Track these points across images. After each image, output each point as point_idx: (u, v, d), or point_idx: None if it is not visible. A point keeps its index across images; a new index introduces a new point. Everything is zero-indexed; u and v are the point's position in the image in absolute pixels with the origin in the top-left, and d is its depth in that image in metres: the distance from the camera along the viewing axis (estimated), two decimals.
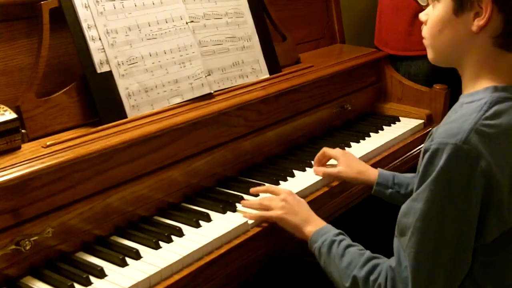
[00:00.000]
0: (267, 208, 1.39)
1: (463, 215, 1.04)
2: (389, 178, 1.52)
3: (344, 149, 1.77)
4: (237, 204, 1.45)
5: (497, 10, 1.05)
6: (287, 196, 1.39)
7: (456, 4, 1.08)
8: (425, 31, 1.17)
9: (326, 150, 1.64)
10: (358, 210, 1.81)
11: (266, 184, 1.55)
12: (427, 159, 1.06)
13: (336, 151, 1.63)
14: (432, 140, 1.07)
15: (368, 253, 1.19)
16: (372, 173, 1.55)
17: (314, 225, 1.31)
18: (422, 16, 1.18)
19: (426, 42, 1.17)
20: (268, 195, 1.46)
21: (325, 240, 1.25)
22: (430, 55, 1.18)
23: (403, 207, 1.11)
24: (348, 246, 1.22)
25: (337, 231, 1.28)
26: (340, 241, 1.23)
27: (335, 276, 1.21)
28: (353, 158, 1.63)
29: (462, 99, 1.13)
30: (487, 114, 1.05)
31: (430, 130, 1.14)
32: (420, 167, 1.09)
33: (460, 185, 1.03)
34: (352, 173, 1.57)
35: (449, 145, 1.02)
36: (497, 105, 1.07)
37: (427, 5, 1.28)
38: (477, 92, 1.10)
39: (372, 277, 1.14)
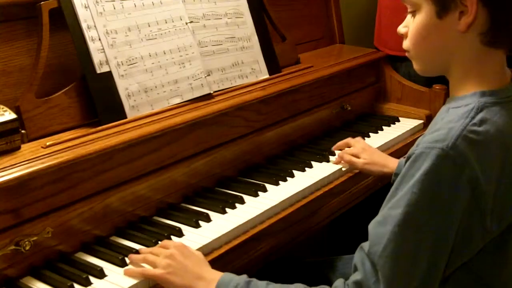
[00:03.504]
0: (151, 264, 1.18)
1: (444, 222, 1.00)
2: None
3: (364, 138, 1.85)
4: (236, 205, 1.45)
5: (482, 5, 1.02)
6: (174, 251, 1.17)
7: (438, 7, 1.05)
8: (407, 43, 1.13)
9: (349, 140, 1.70)
10: (357, 210, 1.81)
11: (266, 184, 1.55)
12: (409, 163, 1.02)
13: (358, 145, 1.67)
14: (417, 145, 1.04)
15: (300, 284, 1.11)
16: (393, 164, 1.58)
17: (208, 280, 1.13)
18: (401, 29, 1.14)
19: (410, 54, 1.14)
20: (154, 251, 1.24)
21: (237, 285, 1.10)
22: (417, 66, 1.14)
23: (376, 218, 1.06)
24: (268, 283, 1.10)
25: (244, 276, 1.13)
26: (256, 281, 1.11)
27: None
28: (375, 151, 1.67)
29: (448, 103, 1.10)
30: (475, 120, 1.02)
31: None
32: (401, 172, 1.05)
33: (445, 191, 0.99)
34: (376, 167, 1.62)
35: (435, 149, 0.99)
36: (485, 110, 1.03)
37: None
38: (464, 96, 1.08)
39: None
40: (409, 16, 1.13)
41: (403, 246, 1.01)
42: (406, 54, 1.15)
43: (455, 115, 1.04)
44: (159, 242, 1.28)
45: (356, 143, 1.71)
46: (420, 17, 1.09)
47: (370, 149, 1.68)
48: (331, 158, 1.72)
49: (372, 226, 1.06)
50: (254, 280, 1.12)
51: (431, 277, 1.03)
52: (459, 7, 1.04)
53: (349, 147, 1.72)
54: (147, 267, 1.18)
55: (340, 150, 1.73)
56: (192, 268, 1.16)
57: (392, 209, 1.03)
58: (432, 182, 0.99)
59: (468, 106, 1.05)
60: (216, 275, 1.14)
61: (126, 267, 1.20)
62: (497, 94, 1.06)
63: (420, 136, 1.94)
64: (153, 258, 1.18)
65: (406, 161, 1.05)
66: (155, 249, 1.22)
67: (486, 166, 1.01)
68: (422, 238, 1.01)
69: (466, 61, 1.08)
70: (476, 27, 1.04)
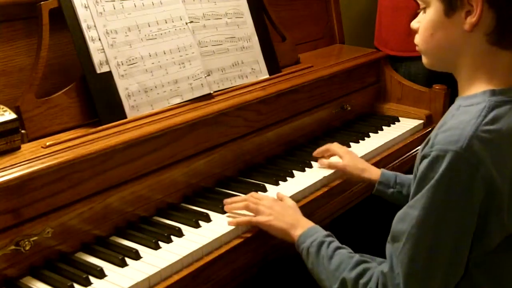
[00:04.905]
0: (254, 212, 1.37)
1: (460, 223, 1.03)
2: (391, 178, 1.52)
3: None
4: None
5: (488, 6, 1.04)
6: (272, 202, 1.38)
7: (446, 6, 1.08)
8: (417, 38, 1.16)
9: (330, 146, 1.68)
10: (357, 210, 1.81)
11: (266, 184, 1.56)
12: (427, 165, 1.04)
13: (340, 149, 1.66)
14: (431, 146, 1.05)
15: (358, 256, 1.18)
16: (375, 172, 1.56)
17: (302, 227, 1.30)
18: (414, 24, 1.17)
19: (419, 48, 1.17)
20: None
21: (314, 241, 1.24)
22: (425, 60, 1.18)
23: (399, 213, 1.10)
24: (338, 248, 1.21)
25: (326, 232, 1.27)
26: (330, 242, 1.22)
27: (322, 278, 1.20)
28: (357, 157, 1.65)
29: (459, 101, 1.12)
30: (487, 119, 1.04)
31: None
32: (418, 172, 1.07)
33: (460, 193, 1.02)
34: (356, 170, 1.59)
35: (450, 152, 1.01)
36: (496, 110, 1.05)
37: None
38: (474, 95, 1.09)
39: (362, 281, 1.12)
40: (422, 12, 1.15)
41: (420, 246, 1.04)
42: (416, 48, 1.17)
43: (467, 114, 1.06)
44: (159, 242, 1.28)
45: (339, 147, 1.68)
46: (429, 14, 1.11)
47: (353, 153, 1.67)
48: (332, 158, 1.71)
49: (395, 220, 1.10)
50: (327, 241, 1.23)
51: (450, 277, 1.06)
52: (466, 6, 1.05)
53: (329, 152, 1.69)
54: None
55: (323, 156, 1.70)
56: (289, 214, 1.34)
57: (411, 208, 1.06)
58: (448, 185, 1.02)
59: (479, 105, 1.06)
60: (308, 224, 1.31)
61: (230, 219, 1.35)
62: (507, 93, 1.08)
63: (420, 136, 1.96)
64: (255, 207, 1.36)
65: (421, 160, 1.07)
66: (250, 198, 1.40)
67: (500, 164, 1.03)
68: (439, 239, 1.04)
69: (474, 60, 1.10)
70: (482, 27, 1.06)
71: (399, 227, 1.08)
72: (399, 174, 1.53)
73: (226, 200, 1.43)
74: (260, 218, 1.35)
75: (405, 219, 1.07)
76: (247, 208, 1.38)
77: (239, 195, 1.49)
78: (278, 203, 1.39)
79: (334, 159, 1.66)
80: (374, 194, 1.55)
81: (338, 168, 1.62)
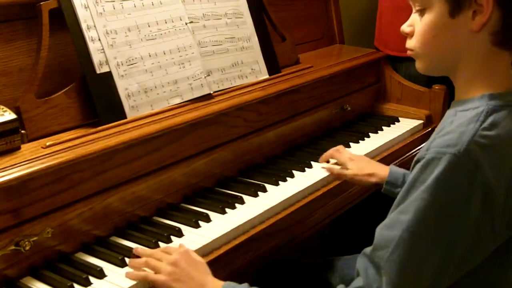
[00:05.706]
0: (153, 270, 1.17)
1: (455, 228, 0.99)
2: (399, 177, 1.48)
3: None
4: (236, 205, 1.45)
5: (496, 5, 1.01)
6: (178, 258, 1.16)
7: (452, 6, 1.03)
8: (413, 42, 1.10)
9: (334, 154, 1.65)
10: (357, 211, 1.81)
11: (266, 185, 1.56)
12: (420, 167, 1.00)
13: (344, 158, 1.62)
14: (427, 149, 1.02)
15: None
16: (383, 173, 1.52)
17: None
18: (405, 28, 1.11)
19: (415, 52, 1.11)
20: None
21: None
22: (421, 64, 1.11)
23: (385, 221, 1.05)
24: None
25: (245, 285, 1.13)
26: None
27: None
28: (362, 160, 1.61)
29: (455, 106, 1.08)
30: (485, 124, 1.00)
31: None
32: (410, 176, 1.03)
33: (457, 198, 0.98)
34: (365, 177, 1.55)
35: (448, 154, 0.97)
36: (494, 114, 1.02)
37: None
38: (472, 99, 1.06)
39: None
40: (415, 15, 1.10)
41: (411, 252, 1.00)
42: (409, 52, 1.13)
43: (465, 118, 1.03)
44: (159, 242, 1.28)
45: (341, 154, 1.65)
46: (431, 16, 1.06)
47: (356, 158, 1.63)
48: (331, 160, 1.71)
49: (379, 229, 1.05)
50: None
51: (439, 283, 1.02)
52: (473, 6, 1.02)
53: (333, 158, 1.67)
54: (149, 271, 1.17)
55: (327, 162, 1.69)
56: (195, 275, 1.15)
57: (401, 214, 1.01)
58: (444, 188, 0.98)
59: (477, 109, 1.03)
60: (218, 284, 1.14)
61: (128, 271, 1.18)
62: (505, 97, 1.05)
63: (420, 136, 1.97)
64: (155, 263, 1.17)
65: (414, 164, 1.04)
66: (156, 253, 1.20)
67: (497, 170, 0.99)
68: (431, 245, 0.99)
69: (475, 62, 1.06)
70: (487, 27, 1.03)
71: (385, 234, 1.03)
72: (408, 172, 1.46)
73: (136, 250, 1.24)
74: (158, 277, 1.15)
75: (393, 226, 1.02)
76: (147, 265, 1.18)
77: (239, 195, 1.49)
78: (185, 260, 1.17)
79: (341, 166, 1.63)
80: (383, 193, 1.51)
81: (346, 178, 1.59)
